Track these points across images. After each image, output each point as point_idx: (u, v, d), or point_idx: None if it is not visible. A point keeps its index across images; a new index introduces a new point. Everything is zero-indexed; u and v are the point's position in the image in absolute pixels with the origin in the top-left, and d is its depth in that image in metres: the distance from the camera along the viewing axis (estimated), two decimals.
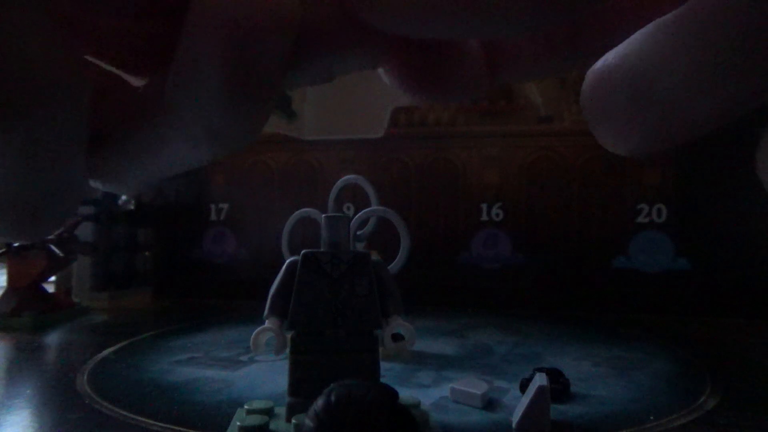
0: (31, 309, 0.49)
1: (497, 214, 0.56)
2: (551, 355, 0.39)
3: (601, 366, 0.36)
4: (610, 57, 0.16)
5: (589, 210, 0.54)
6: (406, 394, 0.20)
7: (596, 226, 0.54)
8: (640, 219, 0.53)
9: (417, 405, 0.25)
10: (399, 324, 0.21)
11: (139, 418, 0.27)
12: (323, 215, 0.23)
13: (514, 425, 0.26)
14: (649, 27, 0.15)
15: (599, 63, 0.17)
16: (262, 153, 0.62)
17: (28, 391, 0.31)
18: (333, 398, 0.18)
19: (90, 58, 0.14)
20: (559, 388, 0.30)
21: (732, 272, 0.50)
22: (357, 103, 0.59)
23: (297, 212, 0.29)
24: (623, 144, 0.17)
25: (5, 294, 0.51)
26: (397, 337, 0.22)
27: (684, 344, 0.42)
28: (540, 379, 0.26)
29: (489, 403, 0.29)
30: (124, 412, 0.28)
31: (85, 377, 0.33)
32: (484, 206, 0.56)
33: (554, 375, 0.30)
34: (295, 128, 0.58)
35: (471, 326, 0.47)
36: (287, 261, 0.21)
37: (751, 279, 0.50)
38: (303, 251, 0.21)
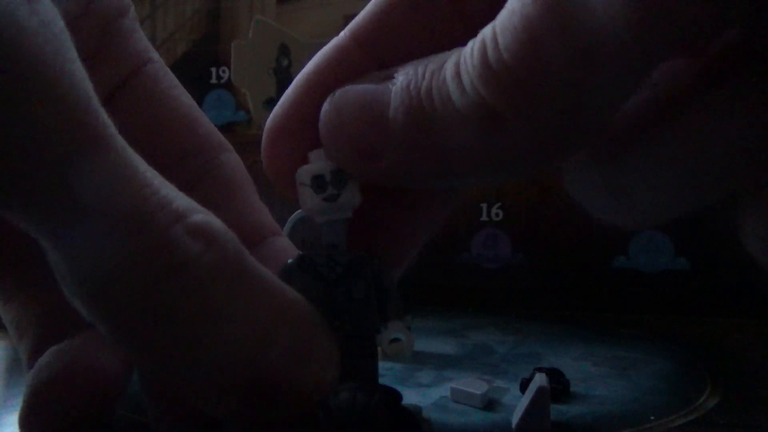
0: None
1: (497, 214, 0.56)
2: (551, 355, 0.38)
3: (601, 366, 0.36)
4: None
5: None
6: (409, 396, 0.20)
7: (596, 226, 0.54)
8: None
9: (419, 412, 0.25)
10: (398, 329, 0.21)
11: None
12: None
13: (514, 425, 0.26)
14: None
15: None
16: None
17: None
18: (337, 401, 0.18)
19: None
20: (559, 388, 0.30)
21: (732, 272, 0.50)
22: None
23: (297, 212, 0.29)
24: None
25: None
26: (395, 341, 0.22)
27: (684, 344, 0.41)
28: (540, 379, 0.26)
29: (489, 403, 0.29)
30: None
31: None
32: (484, 206, 0.56)
33: (554, 375, 0.30)
34: None
35: (471, 326, 0.47)
36: (283, 265, 0.20)
37: (751, 279, 0.50)
38: (298, 253, 0.21)
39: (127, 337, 0.17)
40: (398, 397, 0.19)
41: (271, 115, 0.21)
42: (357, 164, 0.19)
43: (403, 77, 0.17)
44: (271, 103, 0.56)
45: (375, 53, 0.20)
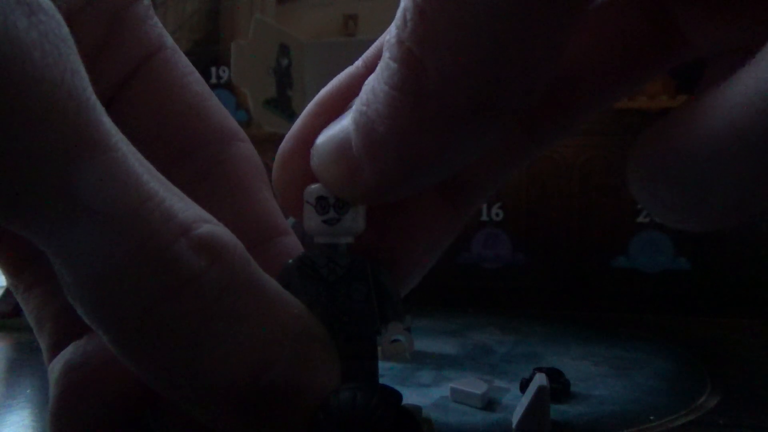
0: None
1: (497, 214, 0.56)
2: (551, 355, 0.38)
3: (601, 366, 0.36)
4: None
5: (589, 210, 0.54)
6: (409, 396, 0.20)
7: (596, 226, 0.54)
8: (640, 219, 0.53)
9: (419, 412, 0.25)
10: (398, 331, 0.21)
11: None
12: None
13: (514, 425, 0.26)
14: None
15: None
16: (262, 153, 0.62)
17: (28, 391, 0.31)
18: (337, 401, 0.18)
19: None
20: (559, 388, 0.30)
21: (732, 272, 0.50)
22: None
23: None
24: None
25: (5, 294, 0.51)
26: (395, 342, 0.22)
27: (684, 344, 0.41)
28: (540, 379, 0.26)
29: (489, 403, 0.29)
30: None
31: None
32: (484, 206, 0.56)
33: (554, 375, 0.30)
34: None
35: (471, 326, 0.47)
36: (283, 265, 0.20)
37: (751, 279, 0.50)
38: (298, 254, 0.20)
39: (125, 349, 0.16)
40: (398, 397, 0.19)
41: (285, 138, 0.21)
42: (347, 195, 0.19)
43: (355, 99, 0.18)
44: (271, 102, 0.56)
45: None
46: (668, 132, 0.16)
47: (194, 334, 0.16)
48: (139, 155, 0.16)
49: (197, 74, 0.23)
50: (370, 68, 0.20)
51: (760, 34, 0.14)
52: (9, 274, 0.22)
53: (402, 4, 0.16)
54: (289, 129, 0.21)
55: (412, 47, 0.15)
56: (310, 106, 0.21)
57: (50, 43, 0.14)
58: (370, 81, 0.17)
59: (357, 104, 0.17)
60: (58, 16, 0.15)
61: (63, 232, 0.15)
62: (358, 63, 0.21)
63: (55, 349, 0.21)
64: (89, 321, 0.16)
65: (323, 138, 0.19)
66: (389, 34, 0.16)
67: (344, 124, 0.18)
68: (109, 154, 0.15)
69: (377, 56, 0.20)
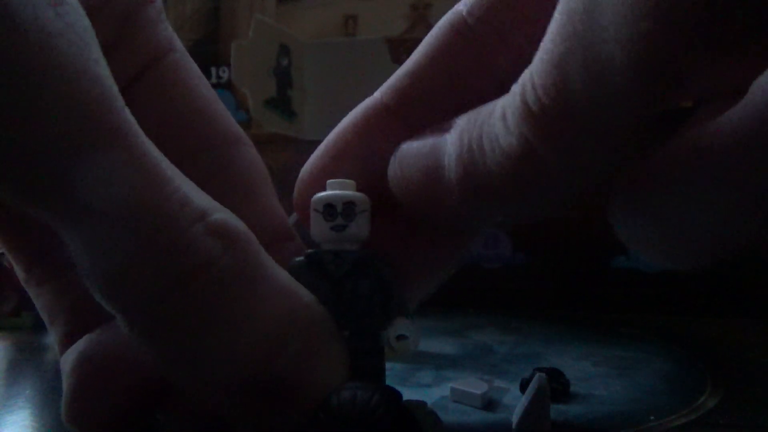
0: (31, 309, 0.48)
1: None
2: (551, 355, 0.38)
3: (601, 366, 0.36)
4: None
5: (589, 210, 0.54)
6: (408, 396, 0.20)
7: (596, 226, 0.54)
8: None
9: (423, 406, 0.25)
10: (403, 325, 0.21)
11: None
12: None
13: (514, 425, 0.26)
14: None
15: None
16: (262, 153, 0.62)
17: (28, 391, 0.31)
18: (337, 401, 0.18)
19: None
20: (559, 388, 0.30)
21: (732, 272, 0.50)
22: (357, 103, 0.58)
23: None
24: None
25: (5, 294, 0.50)
26: (401, 338, 0.22)
27: (684, 344, 0.41)
28: (540, 379, 0.26)
29: (489, 403, 0.29)
30: None
31: None
32: None
33: (554, 375, 0.30)
34: (295, 128, 0.58)
35: (471, 326, 0.47)
36: (290, 262, 0.21)
37: (751, 279, 0.50)
38: (306, 251, 0.21)
39: (141, 333, 0.17)
40: (398, 396, 0.19)
41: (305, 166, 0.22)
42: (420, 210, 0.19)
43: (457, 126, 0.18)
44: (271, 102, 0.56)
45: (404, 112, 0.20)
46: (650, 170, 0.16)
47: (208, 317, 0.16)
48: (153, 145, 0.17)
49: (204, 79, 0.24)
50: (387, 101, 0.20)
51: (755, 77, 0.14)
52: (21, 270, 0.22)
53: (516, 88, 0.16)
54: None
55: (530, 138, 0.15)
56: (332, 134, 0.21)
57: (75, 33, 0.15)
58: (489, 123, 0.17)
59: (466, 137, 0.17)
60: (81, 9, 0.15)
61: (83, 216, 0.15)
62: (377, 95, 0.21)
63: (68, 341, 0.21)
64: (106, 304, 0.16)
65: (413, 150, 0.19)
66: (513, 94, 0.16)
67: (444, 146, 0.18)
68: (130, 139, 0.16)
69: (395, 89, 0.21)
